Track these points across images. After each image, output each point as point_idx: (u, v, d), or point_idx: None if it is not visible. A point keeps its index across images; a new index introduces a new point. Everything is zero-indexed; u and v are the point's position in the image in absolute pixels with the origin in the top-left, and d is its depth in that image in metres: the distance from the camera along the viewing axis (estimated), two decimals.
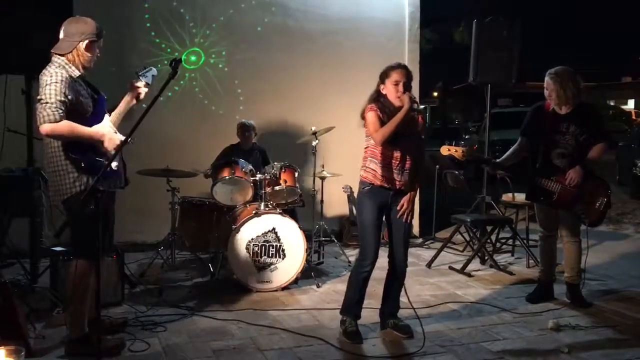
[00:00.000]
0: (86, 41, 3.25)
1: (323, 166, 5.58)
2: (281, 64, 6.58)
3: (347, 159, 5.71)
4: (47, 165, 3.31)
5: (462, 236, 6.24)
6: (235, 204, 5.16)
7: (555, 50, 24.05)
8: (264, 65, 6.53)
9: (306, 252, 4.84)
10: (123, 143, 3.10)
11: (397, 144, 3.59)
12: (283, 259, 4.76)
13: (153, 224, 5.86)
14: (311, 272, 5.04)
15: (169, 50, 6.20)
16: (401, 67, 3.66)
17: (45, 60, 3.27)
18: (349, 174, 5.78)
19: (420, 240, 6.84)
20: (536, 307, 4.42)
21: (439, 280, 5.18)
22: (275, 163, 5.22)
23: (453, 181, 6.67)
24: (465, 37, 20.24)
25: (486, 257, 5.69)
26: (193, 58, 6.32)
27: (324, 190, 5.63)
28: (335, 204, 6.49)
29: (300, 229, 4.83)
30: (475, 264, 5.63)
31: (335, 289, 4.80)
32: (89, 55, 3.28)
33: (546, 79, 4.35)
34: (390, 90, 3.63)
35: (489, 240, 5.91)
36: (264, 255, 4.72)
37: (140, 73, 3.47)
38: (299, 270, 4.81)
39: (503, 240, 6.30)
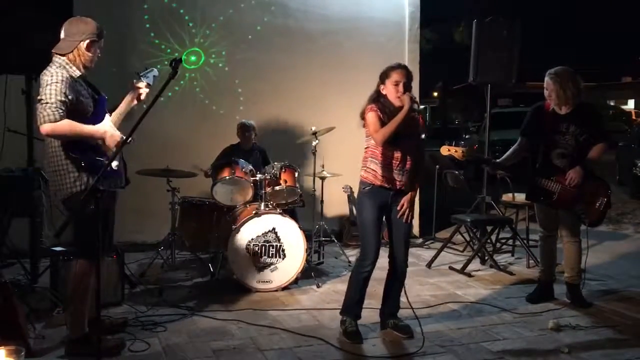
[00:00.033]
0: (87, 41, 3.25)
1: (323, 166, 5.58)
2: (281, 64, 6.58)
3: (347, 159, 5.71)
4: (47, 165, 3.31)
5: (462, 236, 6.24)
6: (235, 204, 5.16)
7: (555, 50, 24.07)
8: (264, 65, 6.54)
9: (306, 252, 4.84)
10: (123, 143, 3.10)
11: (397, 144, 3.59)
12: (283, 259, 4.76)
13: (153, 224, 5.87)
14: (311, 272, 5.04)
15: (168, 50, 6.20)
16: (401, 67, 3.66)
17: (45, 60, 3.28)
18: (349, 174, 5.78)
19: (421, 240, 6.84)
20: (536, 307, 4.42)
21: (439, 281, 5.18)
22: (276, 163, 5.22)
23: (453, 181, 6.67)
24: (465, 37, 20.24)
25: (486, 257, 5.69)
26: (193, 58, 6.32)
27: (324, 190, 5.63)
28: (335, 204, 6.49)
29: (300, 229, 4.83)
30: (475, 264, 5.63)
31: (335, 289, 4.80)
32: (90, 55, 3.28)
33: (546, 79, 4.35)
34: (390, 91, 3.63)
35: (489, 241, 5.91)
36: (264, 255, 4.72)
37: (142, 74, 3.49)
38: (299, 270, 4.81)
39: (503, 241, 6.30)
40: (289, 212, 5.26)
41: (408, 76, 3.63)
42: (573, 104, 4.30)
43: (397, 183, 3.65)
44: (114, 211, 3.59)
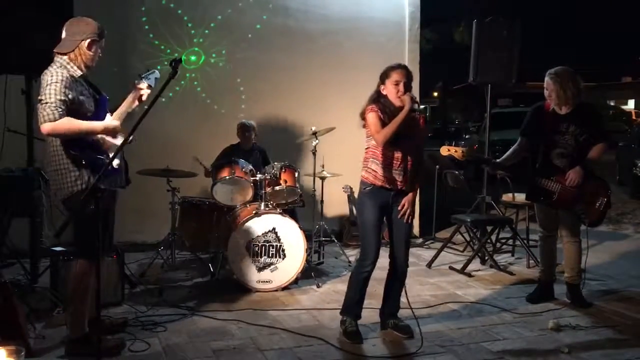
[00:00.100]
0: (88, 40, 3.27)
1: (323, 166, 5.58)
2: (281, 63, 6.58)
3: (347, 159, 5.71)
4: (48, 164, 3.31)
5: (462, 236, 6.24)
6: (235, 204, 5.16)
7: (555, 50, 24.07)
8: (265, 65, 6.54)
9: (306, 252, 4.84)
10: (124, 142, 3.11)
11: (398, 144, 3.59)
12: (283, 259, 4.76)
13: (153, 224, 5.87)
14: (311, 272, 5.04)
15: (168, 51, 6.20)
16: (401, 67, 3.66)
17: (45, 60, 3.28)
18: (349, 174, 5.79)
19: (421, 240, 6.84)
20: (536, 307, 4.42)
21: (439, 280, 5.18)
22: (276, 163, 5.22)
23: (453, 181, 6.67)
24: (465, 37, 20.22)
25: (486, 257, 5.69)
26: (193, 58, 6.33)
27: (324, 190, 5.63)
28: (335, 204, 6.49)
29: (301, 229, 4.83)
30: (475, 264, 5.63)
31: (335, 289, 4.80)
32: (91, 54, 3.29)
33: (546, 79, 4.35)
34: (390, 91, 3.62)
35: (489, 241, 5.91)
36: (264, 255, 4.72)
37: (143, 75, 3.53)
38: (299, 270, 4.81)
39: (503, 241, 6.30)
40: (289, 212, 5.27)
41: (408, 76, 3.63)
42: (573, 104, 4.30)
43: (398, 183, 3.65)
44: (114, 211, 3.60)
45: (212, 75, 6.40)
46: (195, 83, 6.37)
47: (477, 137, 14.99)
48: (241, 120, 5.85)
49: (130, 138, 3.05)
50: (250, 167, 5.16)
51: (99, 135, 3.32)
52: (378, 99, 3.67)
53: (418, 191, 3.87)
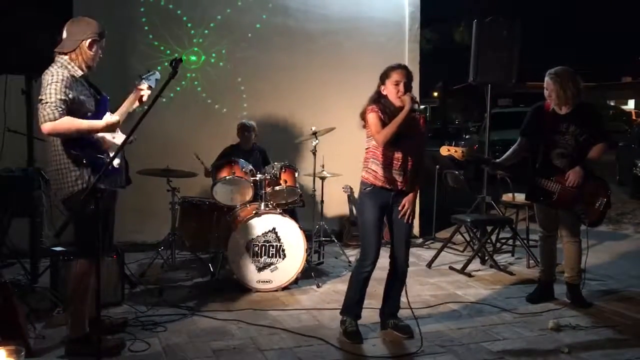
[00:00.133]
0: (89, 40, 3.27)
1: (323, 166, 5.58)
2: (281, 63, 6.58)
3: (347, 159, 5.71)
4: (49, 164, 3.32)
5: (462, 236, 6.24)
6: (235, 204, 5.16)
7: (555, 50, 24.08)
8: (265, 65, 6.54)
9: (306, 252, 4.84)
10: (124, 142, 3.11)
11: (398, 144, 3.59)
12: (283, 259, 4.76)
13: (153, 224, 5.87)
14: (311, 272, 5.04)
15: (168, 52, 6.19)
16: (401, 67, 3.66)
17: (45, 60, 3.29)
18: (349, 174, 5.79)
19: (421, 240, 6.84)
20: (536, 307, 4.42)
21: (439, 281, 5.18)
22: (276, 163, 5.22)
23: (453, 181, 6.67)
24: (465, 37, 20.23)
25: (486, 257, 5.69)
26: (193, 58, 6.33)
27: (324, 190, 5.63)
28: (335, 204, 6.49)
29: (301, 229, 4.83)
30: (475, 264, 5.63)
31: (335, 289, 4.80)
32: (92, 53, 3.30)
33: (546, 79, 4.35)
34: (390, 91, 3.62)
35: (489, 241, 5.91)
36: (264, 255, 4.72)
37: (144, 76, 3.56)
38: (299, 270, 4.81)
39: (503, 241, 6.30)
40: (289, 212, 5.27)
41: (408, 76, 3.63)
42: (573, 104, 4.30)
43: (398, 184, 3.65)
44: (114, 211, 3.60)
45: (212, 75, 6.40)
46: (196, 83, 6.37)
47: (477, 137, 14.99)
48: (241, 121, 5.85)
49: (131, 138, 3.05)
50: (250, 167, 5.16)
51: (99, 135, 3.32)
52: (378, 99, 3.67)
53: (418, 191, 3.86)
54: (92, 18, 3.38)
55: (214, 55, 6.40)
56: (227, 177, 5.02)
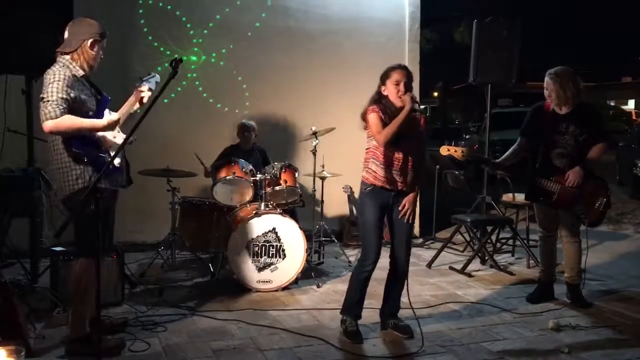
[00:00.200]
0: (90, 40, 3.29)
1: (323, 166, 5.58)
2: (281, 64, 6.58)
3: (347, 159, 5.71)
4: (50, 163, 3.32)
5: (463, 236, 6.24)
6: (235, 204, 5.16)
7: (555, 50, 24.07)
8: (265, 65, 6.54)
9: (306, 252, 4.84)
10: (125, 141, 3.12)
11: (398, 145, 3.59)
12: (283, 259, 4.76)
13: (153, 224, 5.87)
14: (311, 272, 5.04)
15: (168, 52, 6.19)
16: (401, 67, 3.67)
17: (46, 60, 3.30)
18: (349, 174, 5.79)
19: (421, 240, 6.84)
20: (536, 307, 4.42)
21: (439, 281, 5.18)
22: (276, 163, 5.22)
23: (453, 181, 6.67)
24: (465, 37, 20.22)
25: (486, 257, 5.69)
26: (193, 58, 6.33)
27: (324, 190, 5.63)
28: (335, 204, 6.49)
29: (301, 229, 4.83)
30: (475, 264, 5.63)
31: (335, 289, 4.80)
32: (93, 53, 3.31)
33: (546, 79, 4.35)
34: (391, 91, 3.63)
35: (489, 241, 5.91)
36: (264, 255, 4.72)
37: (144, 79, 3.59)
38: (299, 270, 4.81)
39: (503, 241, 6.30)
40: (289, 212, 5.27)
41: (408, 76, 3.63)
42: (573, 104, 4.30)
43: (398, 184, 3.65)
44: (114, 211, 3.60)
45: (213, 75, 6.40)
46: (197, 83, 6.37)
47: (477, 137, 14.99)
48: (241, 121, 5.85)
49: (131, 138, 3.06)
50: (250, 167, 5.17)
51: (100, 134, 3.32)
52: (379, 99, 3.67)
53: (419, 191, 3.86)
54: (93, 18, 3.40)
55: (214, 55, 6.40)
56: (227, 177, 5.02)
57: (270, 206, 4.89)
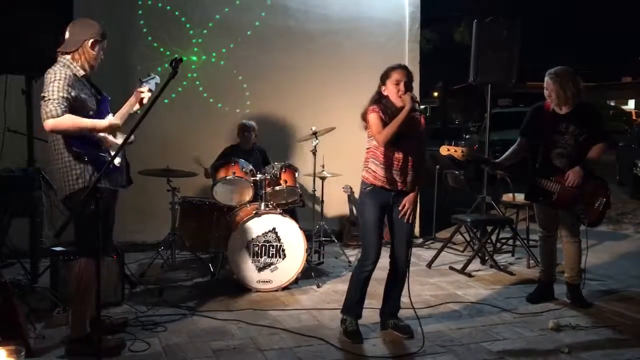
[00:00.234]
0: (91, 40, 3.30)
1: (323, 166, 5.58)
2: (281, 64, 6.58)
3: (347, 159, 5.72)
4: (50, 163, 3.33)
5: (463, 236, 6.24)
6: (235, 204, 5.16)
7: (555, 50, 24.07)
8: (265, 65, 6.54)
9: (306, 252, 4.84)
10: (125, 141, 3.12)
11: (398, 145, 3.59)
12: (283, 259, 4.76)
13: (153, 224, 5.87)
14: (311, 272, 5.04)
15: (167, 53, 6.19)
16: (401, 67, 3.67)
17: (46, 60, 3.30)
18: (349, 174, 5.79)
19: (421, 240, 6.84)
20: (536, 307, 4.42)
21: (440, 281, 5.18)
22: (276, 163, 5.22)
23: (453, 181, 6.68)
24: (465, 37, 20.23)
25: (486, 257, 5.69)
26: (193, 58, 6.33)
27: (324, 190, 5.63)
28: (335, 204, 6.49)
29: (301, 229, 4.83)
30: (475, 264, 5.63)
31: (335, 289, 4.80)
32: (94, 53, 3.32)
33: (546, 79, 4.35)
34: (391, 91, 3.63)
35: (489, 241, 5.91)
36: (264, 255, 4.73)
37: (144, 80, 3.59)
38: (299, 270, 4.81)
39: (503, 241, 6.30)
40: (289, 212, 5.27)
41: (408, 76, 3.63)
42: (573, 104, 4.30)
43: (398, 184, 3.65)
44: (114, 211, 3.60)
45: (213, 74, 6.40)
46: (197, 83, 6.37)
47: (477, 137, 14.99)
48: (241, 121, 5.86)
49: (131, 138, 3.06)
50: (250, 167, 5.17)
51: (100, 134, 3.33)
52: (379, 99, 3.67)
53: (419, 191, 3.86)
54: (93, 19, 3.41)
55: (214, 54, 6.40)
56: (227, 177, 5.02)
57: (270, 206, 4.89)
